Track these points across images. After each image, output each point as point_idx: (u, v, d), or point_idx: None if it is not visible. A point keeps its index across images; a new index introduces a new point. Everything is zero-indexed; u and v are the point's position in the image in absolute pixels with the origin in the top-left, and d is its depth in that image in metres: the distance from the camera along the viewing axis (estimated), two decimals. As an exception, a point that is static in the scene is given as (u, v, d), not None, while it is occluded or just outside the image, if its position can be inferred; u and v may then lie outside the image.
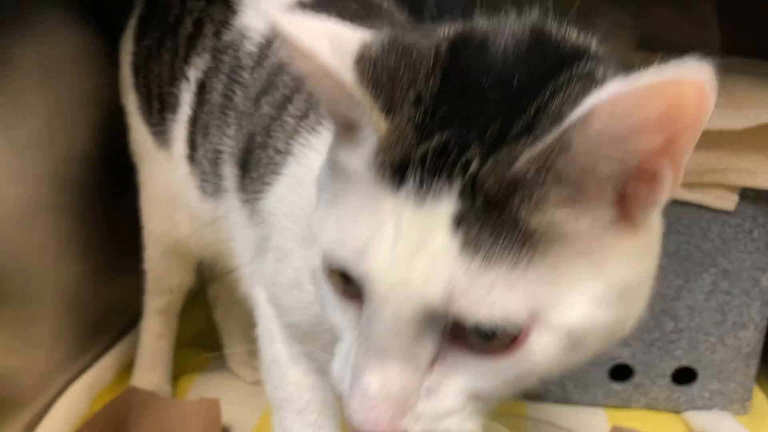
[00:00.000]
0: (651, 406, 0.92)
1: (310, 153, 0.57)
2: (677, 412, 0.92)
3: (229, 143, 0.68)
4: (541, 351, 0.38)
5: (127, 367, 0.95)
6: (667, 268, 0.86)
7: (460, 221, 0.36)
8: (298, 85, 0.61)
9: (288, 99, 0.61)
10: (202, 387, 0.95)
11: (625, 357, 0.90)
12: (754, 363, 0.89)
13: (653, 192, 0.38)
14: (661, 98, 0.33)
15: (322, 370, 0.60)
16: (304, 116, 0.59)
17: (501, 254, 0.36)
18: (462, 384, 0.40)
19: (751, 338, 0.87)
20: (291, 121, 0.60)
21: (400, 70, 0.39)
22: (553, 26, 0.42)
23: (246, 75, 0.68)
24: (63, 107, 0.83)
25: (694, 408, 0.92)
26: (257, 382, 0.98)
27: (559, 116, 0.36)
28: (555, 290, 0.37)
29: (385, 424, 0.39)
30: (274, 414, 0.65)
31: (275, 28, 0.40)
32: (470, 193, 0.36)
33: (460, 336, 0.38)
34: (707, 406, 0.91)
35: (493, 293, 0.36)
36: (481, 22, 0.43)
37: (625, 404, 0.93)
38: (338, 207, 0.42)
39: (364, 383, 0.39)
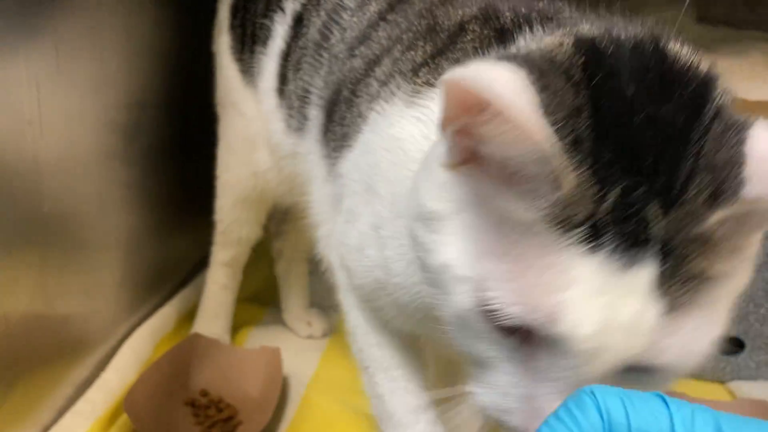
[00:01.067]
0: (697, 376, 0.94)
1: (383, 121, 0.57)
2: (722, 381, 0.94)
3: (318, 84, 0.69)
4: None
5: (187, 316, 0.98)
6: (721, 238, 0.87)
7: (658, 283, 0.38)
8: (389, 46, 0.61)
9: (378, 59, 0.61)
10: (258, 340, 0.98)
11: (674, 325, 0.92)
12: (803, 336, 0.90)
13: None
14: None
15: (390, 328, 0.62)
16: (385, 82, 0.60)
17: (688, 305, 0.39)
18: None
19: (801, 311, 0.89)
20: (375, 84, 0.61)
21: (551, 105, 0.38)
22: (669, 43, 0.43)
23: (346, 17, 0.68)
24: (138, 54, 0.85)
25: (740, 378, 0.93)
26: (311, 337, 1.01)
27: (715, 166, 0.38)
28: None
29: None
30: (362, 373, 0.66)
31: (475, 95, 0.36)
32: (663, 254, 0.38)
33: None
34: (753, 377, 0.93)
35: (686, 340, 0.40)
36: (598, 30, 0.43)
37: (671, 373, 0.95)
38: (508, 261, 0.40)
39: None
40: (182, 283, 1.03)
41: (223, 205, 0.92)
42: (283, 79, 0.76)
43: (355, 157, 0.61)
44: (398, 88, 0.57)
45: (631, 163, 0.37)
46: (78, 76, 0.75)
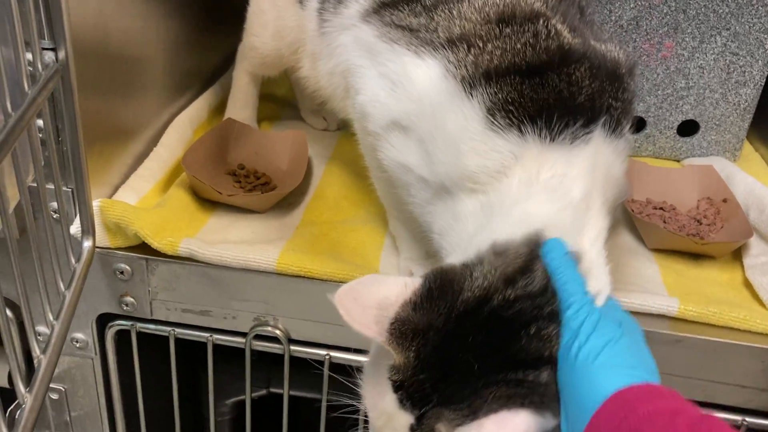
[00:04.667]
0: (657, 154, 1.10)
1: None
2: (678, 160, 1.11)
3: None
4: None
5: (216, 110, 1.12)
6: (685, 30, 1.00)
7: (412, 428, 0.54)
8: None
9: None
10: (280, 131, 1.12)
11: (639, 111, 1.06)
12: (749, 117, 1.05)
13: None
14: None
15: None
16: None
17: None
18: None
19: (749, 94, 1.03)
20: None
21: (419, 326, 0.54)
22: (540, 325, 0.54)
23: None
24: None
25: (693, 156, 1.10)
26: (326, 130, 1.15)
27: (474, 410, 0.52)
28: None
29: None
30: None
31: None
32: (419, 418, 0.54)
33: None
34: (704, 154, 1.09)
35: None
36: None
37: (635, 153, 1.10)
38: None
39: None
40: (210, 81, 1.16)
41: (249, 54, 1.05)
42: None
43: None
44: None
45: (438, 374, 0.53)
46: None
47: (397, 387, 0.55)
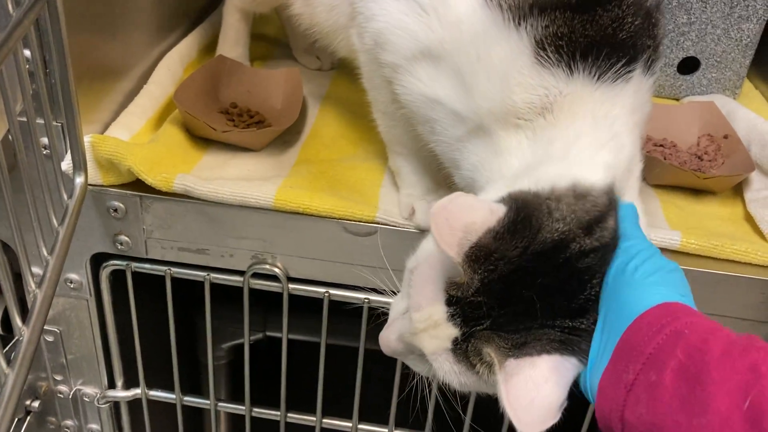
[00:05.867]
0: (656, 93, 1.09)
1: None
2: (678, 98, 1.09)
3: None
4: None
5: (206, 48, 1.09)
6: (689, -38, 0.97)
7: (456, 341, 0.56)
8: None
9: None
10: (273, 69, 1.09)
11: (640, 48, 1.04)
12: (750, 54, 1.04)
13: None
14: None
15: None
16: None
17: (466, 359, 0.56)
18: None
19: (752, 30, 1.01)
20: None
21: (494, 254, 0.53)
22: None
23: None
24: None
25: (693, 94, 1.08)
26: (320, 69, 1.13)
27: (526, 344, 0.53)
28: None
29: None
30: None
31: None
32: (466, 336, 0.55)
33: None
34: (704, 92, 1.07)
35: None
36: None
37: (635, 91, 1.09)
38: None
39: None
40: (200, 18, 1.13)
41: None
42: None
43: None
44: None
45: (498, 303, 0.53)
46: None
47: (452, 301, 0.55)
